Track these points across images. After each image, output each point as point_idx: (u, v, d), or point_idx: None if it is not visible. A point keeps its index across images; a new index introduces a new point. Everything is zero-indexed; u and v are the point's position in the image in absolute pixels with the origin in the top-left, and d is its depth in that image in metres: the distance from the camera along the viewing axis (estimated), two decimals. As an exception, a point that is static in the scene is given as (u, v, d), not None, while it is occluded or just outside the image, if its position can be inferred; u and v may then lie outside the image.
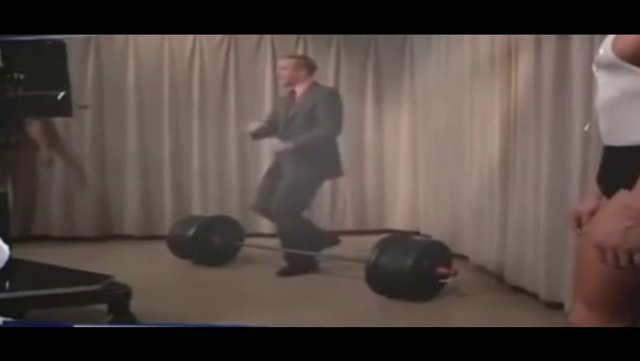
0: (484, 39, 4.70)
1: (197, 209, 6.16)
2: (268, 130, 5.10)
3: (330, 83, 6.03)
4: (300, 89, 4.92)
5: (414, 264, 3.96)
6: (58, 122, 5.88)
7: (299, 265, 4.80)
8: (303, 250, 4.79)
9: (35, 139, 5.69)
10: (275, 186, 4.86)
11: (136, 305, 3.25)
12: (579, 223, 1.86)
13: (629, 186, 1.54)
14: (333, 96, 5.00)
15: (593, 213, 1.80)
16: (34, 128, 5.65)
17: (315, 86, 4.98)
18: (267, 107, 6.22)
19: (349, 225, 6.43)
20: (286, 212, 4.78)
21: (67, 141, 6.11)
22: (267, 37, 6.26)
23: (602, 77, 1.68)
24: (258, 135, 5.17)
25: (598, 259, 1.53)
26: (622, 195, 1.53)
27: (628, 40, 1.57)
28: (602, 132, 1.71)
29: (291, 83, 4.95)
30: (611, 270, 1.58)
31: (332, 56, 6.35)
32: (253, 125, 5.09)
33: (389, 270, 4.00)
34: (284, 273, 4.77)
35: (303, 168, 4.76)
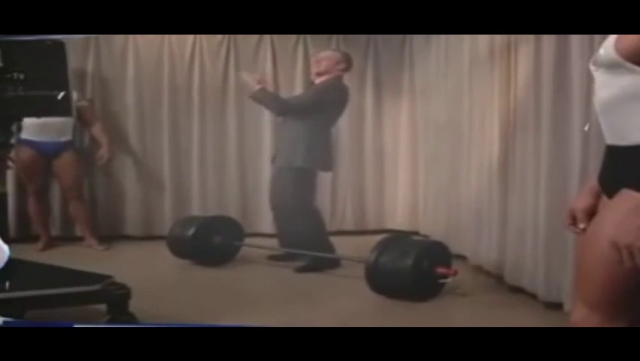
0: (483, 37, 4.69)
1: (196, 209, 6.15)
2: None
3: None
4: (319, 81, 4.91)
5: (413, 264, 3.96)
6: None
7: (316, 260, 4.79)
8: (305, 249, 4.79)
9: (98, 138, 5.76)
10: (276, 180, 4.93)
11: (135, 305, 3.26)
12: (574, 221, 1.86)
13: (633, 185, 1.54)
14: (329, 83, 4.92)
15: (588, 211, 1.80)
16: (96, 127, 5.75)
17: (335, 78, 4.93)
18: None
19: (349, 225, 6.42)
20: (286, 204, 4.82)
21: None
22: (267, 37, 6.24)
23: (601, 77, 1.68)
24: (258, 97, 5.01)
25: (609, 259, 1.53)
26: (631, 194, 1.54)
27: (631, 39, 1.57)
28: (604, 132, 1.71)
29: (322, 73, 4.90)
30: (611, 270, 1.58)
31: (331, 56, 6.34)
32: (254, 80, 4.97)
33: (389, 270, 4.00)
34: (304, 269, 4.76)
35: (296, 158, 4.80)
